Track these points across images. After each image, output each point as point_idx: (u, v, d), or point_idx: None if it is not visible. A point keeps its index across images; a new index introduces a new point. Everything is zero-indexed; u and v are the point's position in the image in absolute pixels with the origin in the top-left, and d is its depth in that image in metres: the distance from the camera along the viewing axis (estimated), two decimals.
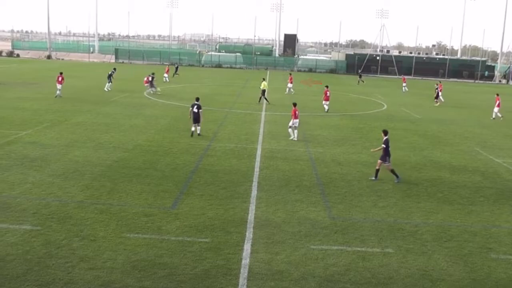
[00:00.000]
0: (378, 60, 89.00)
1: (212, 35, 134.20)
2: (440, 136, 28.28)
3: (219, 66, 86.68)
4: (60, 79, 36.32)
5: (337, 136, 26.47)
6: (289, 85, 47.67)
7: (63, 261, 10.51)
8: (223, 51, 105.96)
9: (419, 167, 20.42)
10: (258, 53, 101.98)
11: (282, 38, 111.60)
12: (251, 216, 13.60)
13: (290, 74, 53.22)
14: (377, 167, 17.85)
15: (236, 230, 12.57)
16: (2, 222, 12.39)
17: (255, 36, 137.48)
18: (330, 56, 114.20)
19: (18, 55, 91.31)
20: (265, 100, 38.27)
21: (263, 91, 38.60)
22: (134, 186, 15.74)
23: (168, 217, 13.22)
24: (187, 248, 11.39)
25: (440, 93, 46.20)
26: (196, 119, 24.04)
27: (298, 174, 18.22)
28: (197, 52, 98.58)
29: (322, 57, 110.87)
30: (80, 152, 19.89)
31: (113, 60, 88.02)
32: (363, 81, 65.96)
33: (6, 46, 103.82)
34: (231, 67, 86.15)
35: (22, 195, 14.48)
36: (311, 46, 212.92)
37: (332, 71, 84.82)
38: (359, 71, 70.53)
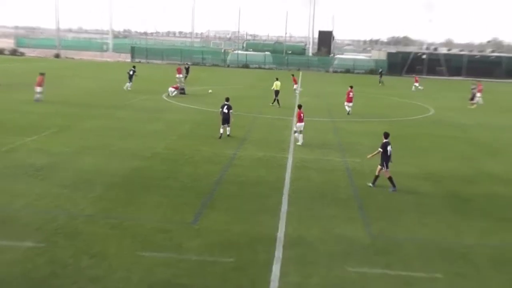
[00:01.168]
0: (424, 59, 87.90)
1: (238, 32, 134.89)
2: (493, 145, 27.62)
3: (246, 66, 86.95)
4: (39, 80, 35.45)
5: (376, 145, 26.04)
6: (295, 86, 50.29)
7: (69, 281, 10.52)
8: (251, 49, 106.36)
9: (470, 180, 19.95)
10: (290, 52, 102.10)
11: (316, 36, 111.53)
12: (280, 233, 13.48)
13: (293, 75, 54.15)
14: (376, 173, 18.10)
15: (264, 249, 12.45)
16: (3, 238, 12.50)
17: (286, 33, 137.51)
18: (370, 55, 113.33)
19: (22, 54, 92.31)
20: (277, 104, 38.47)
21: (276, 92, 38.92)
22: (151, 199, 15.77)
23: (188, 234, 13.19)
24: (209, 269, 11.30)
25: (478, 94, 46.07)
26: (226, 119, 25.29)
27: (334, 186, 18.05)
28: (222, 50, 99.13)
29: (361, 56, 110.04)
30: (91, 160, 20.07)
31: (128, 60, 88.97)
32: (382, 82, 64.37)
33: (9, 44, 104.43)
34: (259, 67, 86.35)
35: (26, 207, 14.64)
36: (349, 44, 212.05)
37: (372, 71, 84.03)
38: (380, 70, 69.27)
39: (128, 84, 43.37)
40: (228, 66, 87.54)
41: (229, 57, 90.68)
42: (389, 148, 17.93)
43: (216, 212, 14.89)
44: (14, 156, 20.35)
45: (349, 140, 26.97)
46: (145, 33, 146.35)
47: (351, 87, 37.13)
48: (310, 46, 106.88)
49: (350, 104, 35.97)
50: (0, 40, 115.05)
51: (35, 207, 14.70)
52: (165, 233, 13.16)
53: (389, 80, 70.18)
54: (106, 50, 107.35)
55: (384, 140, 18.08)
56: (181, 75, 49.55)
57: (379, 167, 17.97)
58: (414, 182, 19.08)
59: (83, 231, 13.09)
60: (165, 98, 40.56)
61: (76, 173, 18.23)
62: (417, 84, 58.41)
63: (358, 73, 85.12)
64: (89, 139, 24.02)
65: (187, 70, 56.89)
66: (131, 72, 44.40)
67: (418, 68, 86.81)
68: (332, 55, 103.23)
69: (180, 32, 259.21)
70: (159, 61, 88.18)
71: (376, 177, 18.13)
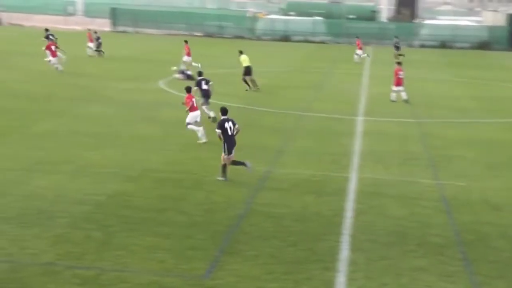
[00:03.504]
0: None
1: None
2: None
3: (285, 38, 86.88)
4: (53, 48, 41.62)
5: (491, 160, 25.88)
6: (358, 51, 56.70)
7: None
8: (293, 13, 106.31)
9: None
10: (352, 16, 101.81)
11: None
12: None
13: (358, 37, 61.26)
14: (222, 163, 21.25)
15: None
16: None
17: None
18: (480, 19, 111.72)
19: None
20: (247, 85, 40.94)
21: (247, 69, 41.27)
22: (142, 239, 15.86)
23: None
24: None
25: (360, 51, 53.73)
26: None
27: (421, 225, 17.92)
28: (249, 15, 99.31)
29: (464, 21, 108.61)
30: (48, 181, 20.25)
31: (107, 28, 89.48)
32: (401, 55, 64.27)
33: None
34: (306, 41, 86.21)
35: None
36: (446, 3, 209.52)
37: (483, 45, 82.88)
38: (395, 39, 69.32)
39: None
40: (258, 38, 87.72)
41: (259, 25, 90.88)
42: (227, 125, 21.12)
43: (239, 260, 14.91)
44: None
45: (444, 152, 26.79)
46: None
47: (399, 63, 39.25)
48: (385, 7, 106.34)
49: (401, 88, 37.82)
50: None
51: None
52: None
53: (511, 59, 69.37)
54: (73, 14, 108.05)
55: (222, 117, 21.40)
56: (189, 58, 49.93)
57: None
58: None
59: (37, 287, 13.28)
60: (162, 86, 40.88)
61: (25, 200, 18.40)
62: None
63: (461, 47, 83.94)
64: (44, 149, 24.28)
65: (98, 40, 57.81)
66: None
67: None
68: (418, 20, 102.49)
69: None
70: (153, 31, 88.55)
71: (223, 166, 21.26)
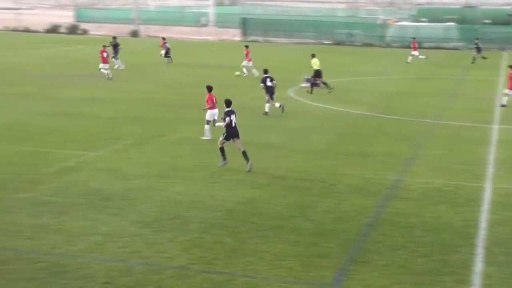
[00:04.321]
0: None
1: None
2: None
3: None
4: (105, 55, 43.91)
5: None
6: (414, 53, 60.92)
7: None
8: (424, 19, 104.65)
9: None
10: (487, 21, 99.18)
11: None
12: None
13: (414, 38, 65.37)
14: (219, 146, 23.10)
15: None
16: None
17: None
18: None
19: (85, 32, 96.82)
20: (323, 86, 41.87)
21: (317, 72, 42.00)
22: (271, 246, 15.99)
23: None
24: None
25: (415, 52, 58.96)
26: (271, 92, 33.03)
27: None
28: (379, 22, 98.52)
29: None
30: (183, 187, 20.76)
31: (237, 38, 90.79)
32: (484, 58, 62.70)
33: (67, 18, 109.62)
34: (438, 47, 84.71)
35: (87, 253, 15.39)
36: None
37: None
38: (476, 39, 67.38)
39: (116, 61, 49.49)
40: (388, 45, 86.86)
41: (389, 32, 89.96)
42: (232, 117, 23.04)
43: (368, 269, 14.81)
44: (72, 178, 21.52)
45: None
46: None
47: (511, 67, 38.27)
48: None
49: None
50: (55, 13, 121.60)
51: (102, 253, 15.42)
52: None
53: None
54: (205, 25, 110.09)
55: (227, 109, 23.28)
56: (249, 63, 49.95)
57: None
58: None
59: None
60: (291, 95, 41.05)
61: (161, 205, 18.93)
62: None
63: None
64: (180, 156, 24.90)
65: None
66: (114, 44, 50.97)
67: None
68: None
69: None
70: (282, 40, 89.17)
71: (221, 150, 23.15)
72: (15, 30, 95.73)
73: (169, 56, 57.40)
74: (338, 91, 42.83)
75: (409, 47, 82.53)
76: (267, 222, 17.76)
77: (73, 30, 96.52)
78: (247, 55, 49.69)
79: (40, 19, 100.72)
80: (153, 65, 54.42)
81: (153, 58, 58.74)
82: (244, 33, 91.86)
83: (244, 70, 48.36)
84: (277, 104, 33.27)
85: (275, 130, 30.26)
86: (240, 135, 23.13)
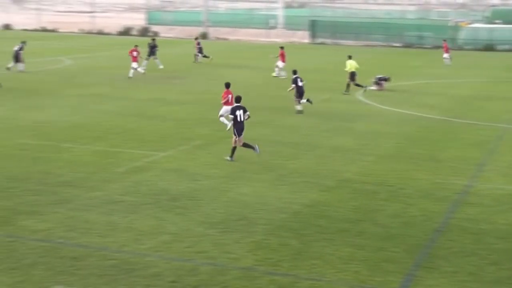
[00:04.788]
0: None
1: None
2: None
3: (489, 47, 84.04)
4: (135, 53, 46.60)
5: None
6: (445, 55, 61.78)
7: None
8: (499, 21, 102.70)
9: None
10: None
11: None
12: None
13: (445, 40, 66.68)
14: (233, 145, 24.14)
15: None
16: None
17: None
18: None
19: (155, 34, 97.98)
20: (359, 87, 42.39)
21: (352, 74, 42.11)
22: (337, 249, 16.02)
23: None
24: None
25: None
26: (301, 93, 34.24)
27: None
28: (451, 24, 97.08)
29: None
30: (250, 188, 20.93)
31: (305, 40, 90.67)
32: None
33: (139, 20, 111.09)
34: None
35: (155, 251, 15.69)
36: None
37: None
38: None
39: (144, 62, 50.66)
40: (460, 48, 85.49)
41: (461, 34, 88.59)
42: (238, 113, 24.09)
43: (435, 276, 14.72)
44: (141, 178, 21.92)
45: None
46: (331, 0, 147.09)
47: None
48: None
49: None
50: (128, 16, 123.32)
51: (169, 251, 15.71)
52: None
53: None
54: (274, 27, 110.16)
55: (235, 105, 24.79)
56: (282, 64, 49.67)
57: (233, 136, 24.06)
58: None
59: None
60: (360, 97, 40.91)
61: (227, 206, 19.15)
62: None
63: None
64: (246, 157, 24.99)
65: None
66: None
67: None
68: None
69: None
70: (351, 42, 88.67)
71: (233, 148, 24.07)
72: (89, 32, 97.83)
73: (199, 55, 58.59)
74: (408, 94, 42.55)
75: (481, 50, 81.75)
76: (333, 225, 17.79)
77: (144, 32, 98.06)
78: (282, 55, 49.87)
79: (113, 21, 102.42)
80: (219, 67, 54.65)
81: (221, 60, 58.98)
82: (313, 35, 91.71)
83: (282, 72, 48.84)
84: (304, 100, 34.58)
85: (344, 133, 30.23)
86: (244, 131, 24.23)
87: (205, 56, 58.10)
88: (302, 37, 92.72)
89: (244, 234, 16.86)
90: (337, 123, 32.49)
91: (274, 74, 48.45)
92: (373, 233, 17.22)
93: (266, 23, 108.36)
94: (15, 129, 28.94)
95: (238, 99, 25.01)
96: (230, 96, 28.53)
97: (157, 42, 54.80)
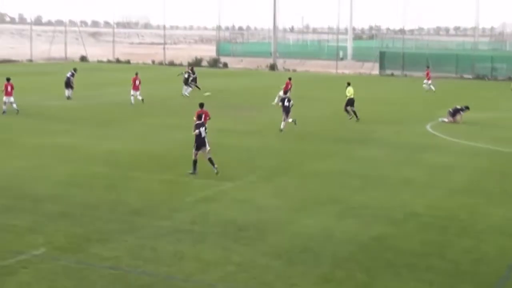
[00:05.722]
0: None
1: None
2: None
3: None
4: (137, 82, 48.85)
5: None
6: (426, 81, 64.18)
7: None
8: None
9: None
10: None
11: None
12: None
13: (428, 66, 69.27)
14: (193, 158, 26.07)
15: None
16: None
17: None
18: None
19: (225, 65, 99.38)
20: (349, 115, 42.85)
21: (350, 100, 43.04)
22: (404, 284, 15.89)
23: None
24: None
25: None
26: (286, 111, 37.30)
27: None
28: None
29: None
30: (315, 220, 20.91)
31: (375, 71, 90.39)
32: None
33: (211, 52, 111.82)
34: None
35: (220, 281, 15.79)
36: None
37: None
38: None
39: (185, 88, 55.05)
40: None
41: None
42: (202, 129, 25.76)
43: None
44: (208, 207, 22.14)
45: None
46: (401, 31, 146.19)
47: None
48: None
49: None
50: (199, 47, 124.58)
51: (235, 282, 15.79)
52: None
53: None
54: (343, 58, 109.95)
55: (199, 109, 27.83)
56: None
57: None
58: None
59: None
60: (429, 129, 40.53)
61: (293, 237, 19.16)
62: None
63: None
64: (313, 188, 25.09)
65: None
66: (186, 75, 56.22)
67: None
68: None
69: (457, 28, 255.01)
70: (421, 74, 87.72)
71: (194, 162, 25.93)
72: (160, 63, 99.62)
73: (190, 86, 57.79)
74: (479, 127, 41.98)
75: None
76: (400, 259, 17.64)
77: (214, 63, 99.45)
78: (287, 86, 50.24)
79: (184, 53, 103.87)
80: (294, 99, 54.60)
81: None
82: (382, 67, 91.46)
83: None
84: (290, 120, 37.30)
85: (413, 164, 30.01)
86: (208, 144, 25.94)
87: (196, 86, 58.39)
88: (371, 68, 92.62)
89: (309, 266, 16.84)
90: (407, 155, 32.27)
91: (273, 103, 48.61)
92: (442, 269, 16.98)
93: (335, 54, 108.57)
94: (87, 158, 29.54)
95: (200, 117, 27.04)
96: (203, 115, 28.34)
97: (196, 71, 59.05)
